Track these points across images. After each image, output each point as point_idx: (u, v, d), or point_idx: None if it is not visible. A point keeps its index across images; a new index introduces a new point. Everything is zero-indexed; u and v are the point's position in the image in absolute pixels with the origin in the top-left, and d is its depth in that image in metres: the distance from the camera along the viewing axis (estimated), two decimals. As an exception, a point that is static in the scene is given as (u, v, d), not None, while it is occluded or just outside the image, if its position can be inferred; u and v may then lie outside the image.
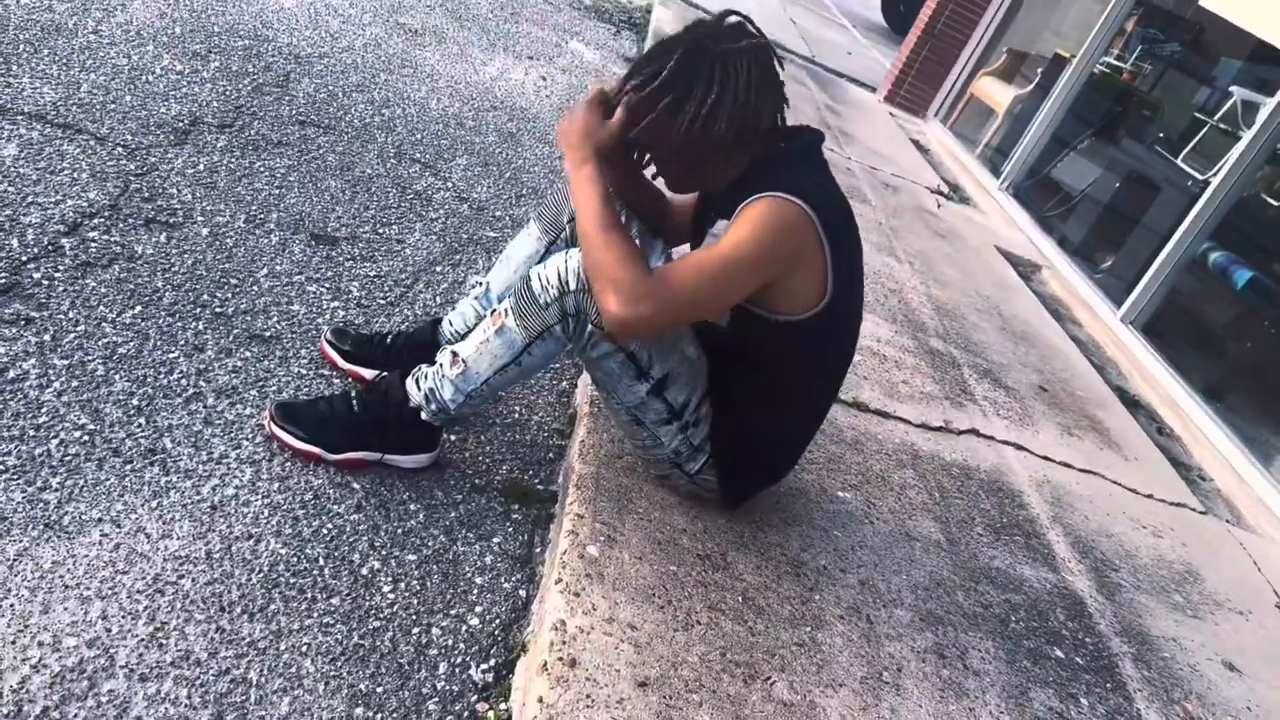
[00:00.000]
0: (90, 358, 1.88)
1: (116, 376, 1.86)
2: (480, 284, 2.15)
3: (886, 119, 7.46)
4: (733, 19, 1.74)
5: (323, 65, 3.64)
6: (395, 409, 1.88)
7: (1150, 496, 3.05)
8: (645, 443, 1.89)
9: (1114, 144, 6.19)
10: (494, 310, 1.79)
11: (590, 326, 1.72)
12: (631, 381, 1.79)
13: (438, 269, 2.71)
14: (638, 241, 1.90)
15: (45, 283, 2.00)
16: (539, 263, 2.06)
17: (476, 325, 2.12)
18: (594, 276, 1.63)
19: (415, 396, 1.87)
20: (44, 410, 1.72)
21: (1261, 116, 4.42)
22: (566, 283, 1.70)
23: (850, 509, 2.24)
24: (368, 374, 2.13)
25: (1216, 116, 5.23)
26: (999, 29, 7.77)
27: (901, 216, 4.85)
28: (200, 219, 2.43)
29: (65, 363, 1.84)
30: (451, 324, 2.15)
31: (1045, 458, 2.95)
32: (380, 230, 2.76)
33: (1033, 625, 2.15)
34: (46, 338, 1.87)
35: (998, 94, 7.60)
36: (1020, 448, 2.94)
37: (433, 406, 1.86)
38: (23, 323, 1.88)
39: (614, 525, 1.84)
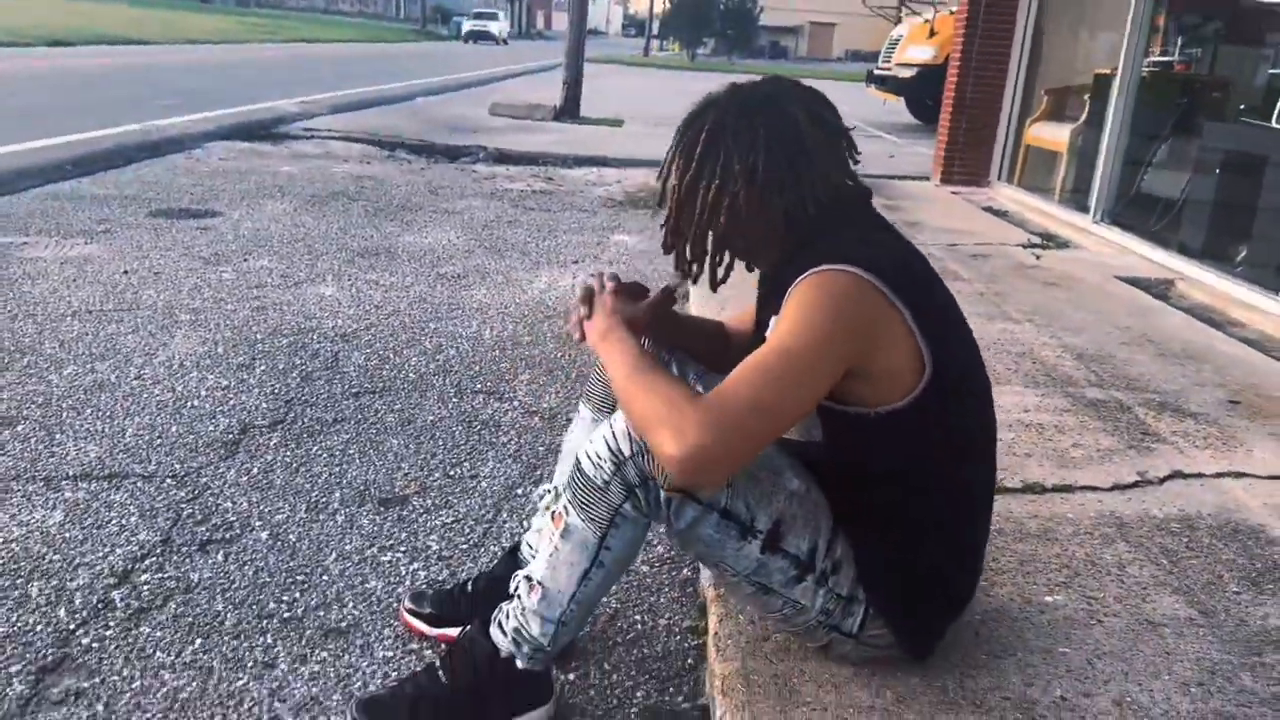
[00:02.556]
0: (149, 715, 1.64)
1: (179, 728, 1.62)
2: (550, 490, 1.87)
3: (948, 197, 7.17)
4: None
5: (370, 335, 3.57)
6: (487, 667, 1.58)
7: None
8: (785, 613, 1.53)
9: (1196, 135, 5.74)
10: (553, 512, 1.50)
11: (664, 493, 1.41)
12: (738, 544, 1.45)
13: (519, 492, 2.46)
14: (695, 383, 1.62)
15: (95, 646, 1.80)
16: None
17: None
18: (642, 428, 1.35)
19: (504, 644, 1.56)
20: (97, 795, 1.47)
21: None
22: (619, 450, 1.41)
23: (1067, 613, 1.80)
24: (456, 633, 1.84)
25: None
26: (1029, 77, 7.53)
27: (1001, 280, 4.46)
28: (258, 523, 2.24)
29: (120, 730, 1.60)
30: (530, 546, 1.86)
31: (1274, 476, 2.44)
32: (451, 472, 2.54)
33: (1358, 688, 1.64)
34: (99, 708, 1.65)
35: (1054, 135, 7.27)
36: (1239, 475, 2.44)
37: (525, 650, 1.55)
38: (73, 698, 1.66)
39: (782, 727, 1.46)
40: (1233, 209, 5.06)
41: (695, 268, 1.64)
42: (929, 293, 1.45)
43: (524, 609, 1.53)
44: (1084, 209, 6.16)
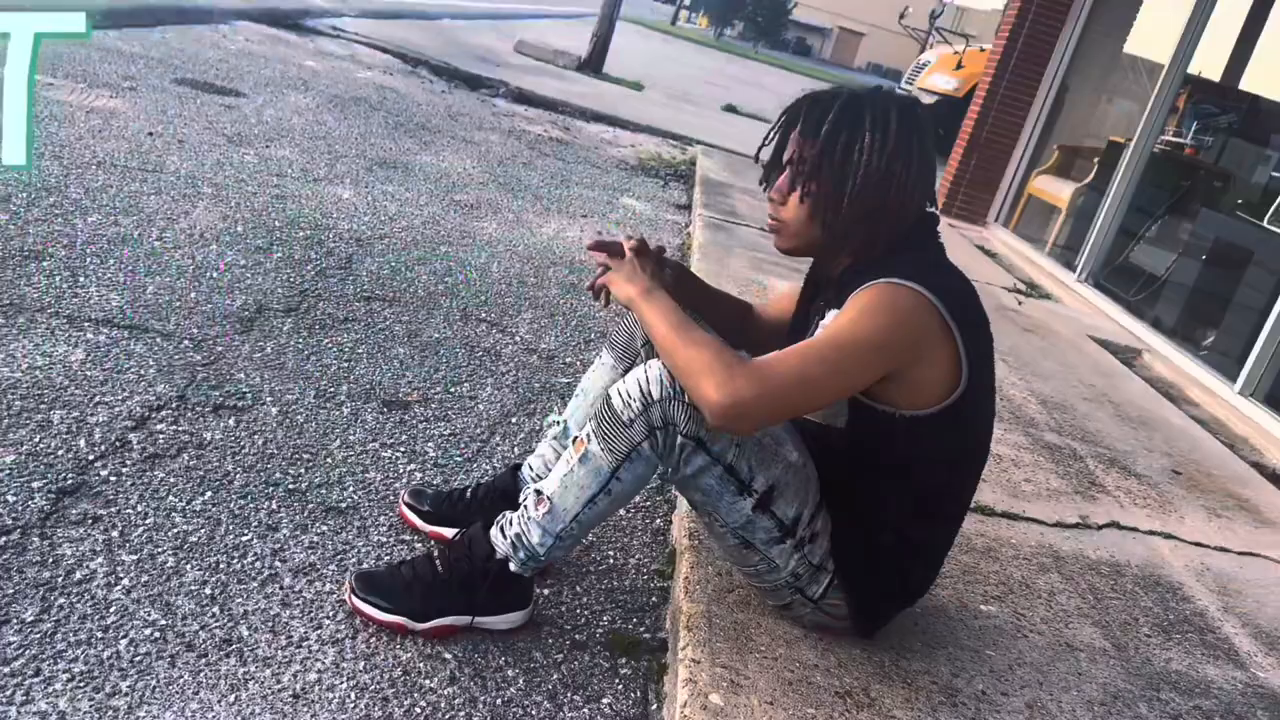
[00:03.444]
0: (160, 550, 1.77)
1: (188, 566, 1.75)
2: (558, 422, 2.02)
3: (946, 229, 7.34)
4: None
5: (384, 245, 3.67)
6: (481, 564, 1.72)
7: (1327, 574, 2.71)
8: (758, 568, 1.69)
9: (1190, 219, 5.98)
10: (574, 438, 1.65)
11: (680, 438, 1.57)
12: (733, 498, 1.61)
13: (513, 420, 2.60)
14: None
15: (113, 479, 1.92)
16: (617, 387, 1.95)
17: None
18: (685, 374, 1.50)
19: (501, 546, 1.71)
20: (112, 609, 1.60)
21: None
22: (649, 393, 1.56)
23: (998, 623, 1.99)
24: (450, 533, 1.99)
25: (1297, 173, 5.02)
26: (1045, 129, 7.72)
27: (983, 318, 4.65)
28: (269, 399, 2.36)
29: (134, 558, 1.73)
30: (532, 467, 2.01)
31: (1198, 544, 2.65)
32: (452, 390, 2.67)
33: (1236, 734, 1.85)
34: (114, 534, 1.77)
35: (1056, 190, 7.48)
36: (1169, 536, 2.64)
37: (521, 555, 1.70)
38: (90, 521, 1.79)
39: (736, 668, 1.63)
40: (1209, 296, 5.31)
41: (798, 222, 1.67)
42: (978, 327, 1.61)
43: (528, 518, 1.68)
44: (1070, 266, 6.38)
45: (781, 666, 1.66)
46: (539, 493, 1.67)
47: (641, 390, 1.56)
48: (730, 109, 12.61)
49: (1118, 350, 4.86)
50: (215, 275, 2.97)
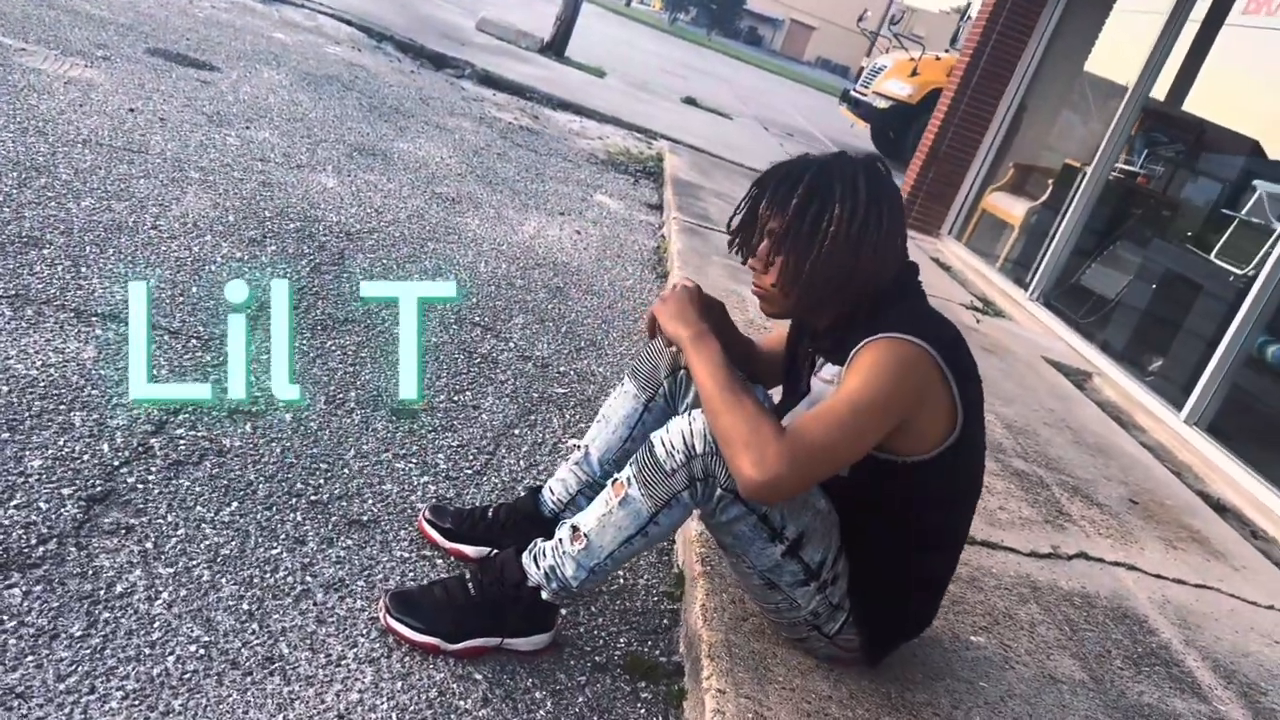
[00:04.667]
0: (195, 563, 1.79)
1: (223, 580, 1.78)
2: (578, 448, 2.08)
3: (905, 241, 7.53)
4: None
5: (374, 240, 3.67)
6: (513, 589, 1.79)
7: (1272, 608, 2.90)
8: (779, 606, 1.78)
9: (1141, 246, 6.23)
10: (615, 480, 1.71)
11: (720, 490, 1.64)
12: (765, 544, 1.70)
13: (515, 432, 2.65)
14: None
15: (140, 486, 1.94)
16: (639, 420, 2.02)
17: (578, 491, 2.04)
18: (725, 441, 1.57)
19: (534, 575, 1.77)
20: (156, 625, 1.63)
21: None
22: (693, 446, 1.63)
23: (988, 654, 2.11)
24: (470, 551, 2.04)
25: (1244, 211, 5.26)
26: (1002, 146, 7.94)
27: (947, 336, 4.80)
28: (281, 405, 2.38)
29: (170, 570, 1.76)
30: (553, 491, 2.07)
31: (1158, 576, 2.82)
32: (455, 398, 2.71)
33: (1202, 766, 2.00)
34: (149, 545, 1.80)
35: (1010, 207, 7.71)
36: (1132, 568, 2.80)
37: (554, 585, 1.76)
38: (124, 532, 1.81)
39: (759, 699, 1.72)
40: (1157, 323, 5.55)
41: (776, 292, 1.75)
42: (970, 371, 1.70)
43: (564, 552, 1.74)
44: (1022, 283, 6.60)
45: (799, 698, 1.76)
46: (575, 528, 1.73)
47: (685, 443, 1.63)
48: (690, 101, 12.67)
49: (1070, 373, 5.06)
50: (213, 269, 2.96)
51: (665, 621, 2.09)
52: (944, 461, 1.68)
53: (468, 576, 1.83)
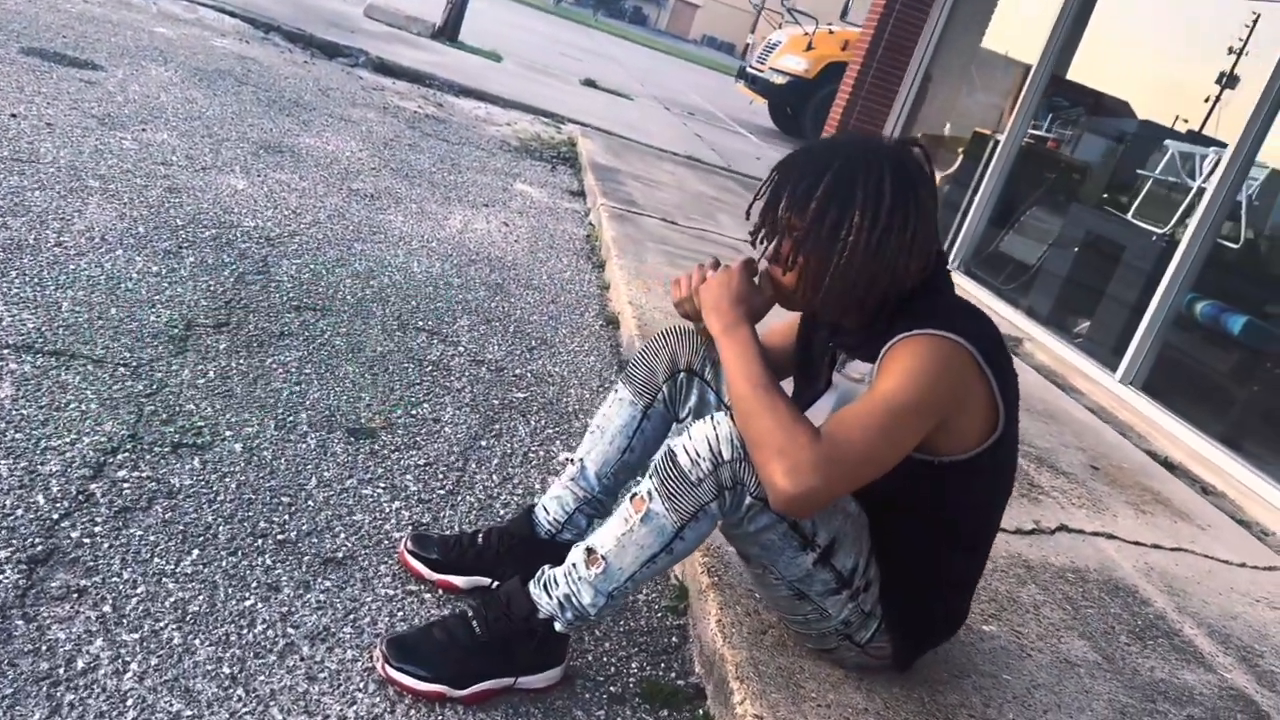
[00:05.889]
0: (162, 624, 1.59)
1: (196, 641, 1.58)
2: (571, 462, 1.94)
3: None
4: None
5: (296, 244, 3.43)
6: (523, 623, 1.64)
7: (1244, 565, 2.93)
8: (808, 617, 1.67)
9: (1057, 210, 6.32)
10: (634, 495, 1.57)
11: (750, 499, 1.52)
12: (795, 553, 1.58)
13: (483, 444, 2.49)
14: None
15: (87, 541, 1.72)
16: (637, 428, 1.90)
17: (576, 509, 1.90)
18: (756, 447, 1.44)
19: (546, 606, 1.63)
20: (130, 702, 1.43)
21: (1207, 166, 4.53)
22: (720, 453, 1.50)
23: (1003, 644, 2.05)
24: (461, 582, 1.88)
25: (1158, 171, 5.37)
26: (909, 117, 7.99)
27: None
28: (229, 434, 2.17)
29: (136, 636, 1.55)
30: (547, 511, 1.92)
31: (1137, 543, 2.82)
32: (413, 411, 2.53)
33: (1224, 740, 1.97)
34: (107, 609, 1.59)
35: (922, 177, 7.76)
36: (1111, 536, 2.80)
37: (568, 615, 1.62)
38: (76, 595, 1.59)
39: None
40: (1081, 287, 5.64)
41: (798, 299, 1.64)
42: (1009, 368, 1.60)
43: (579, 578, 1.59)
44: (942, 253, 6.64)
45: (835, 714, 1.65)
46: (591, 550, 1.59)
47: (712, 449, 1.50)
48: (590, 83, 12.47)
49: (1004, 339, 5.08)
50: (130, 287, 2.71)
51: (674, 639, 1.96)
52: (981, 461, 1.59)
53: (470, 613, 1.67)
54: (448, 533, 2.02)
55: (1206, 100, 5.50)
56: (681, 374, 1.88)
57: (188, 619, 1.62)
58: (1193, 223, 4.42)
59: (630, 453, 1.89)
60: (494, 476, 2.35)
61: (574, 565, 1.61)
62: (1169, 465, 3.81)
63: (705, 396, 1.88)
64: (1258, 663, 2.33)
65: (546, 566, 1.67)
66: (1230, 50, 5.31)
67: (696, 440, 1.52)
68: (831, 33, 13.50)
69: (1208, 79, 5.37)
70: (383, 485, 2.17)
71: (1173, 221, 4.81)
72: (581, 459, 1.91)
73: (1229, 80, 5.24)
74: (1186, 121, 5.63)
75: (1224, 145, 4.40)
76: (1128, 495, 3.20)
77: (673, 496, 1.53)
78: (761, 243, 1.64)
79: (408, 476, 2.24)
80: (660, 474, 1.54)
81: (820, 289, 1.56)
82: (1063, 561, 2.53)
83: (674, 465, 1.53)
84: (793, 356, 1.88)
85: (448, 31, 11.97)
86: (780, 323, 2.01)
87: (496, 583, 1.85)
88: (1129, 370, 4.53)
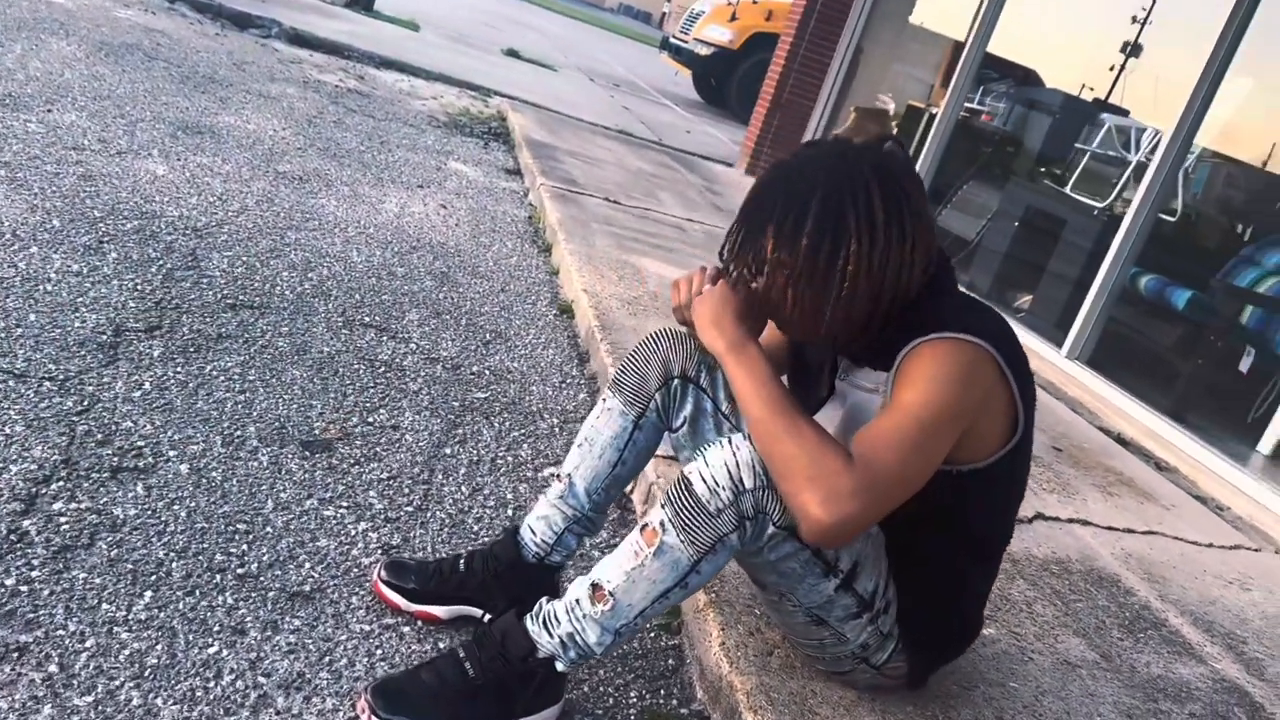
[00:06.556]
0: (117, 682, 1.42)
1: (158, 701, 1.42)
2: (558, 478, 1.80)
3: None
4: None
5: (226, 235, 3.21)
6: (520, 663, 1.51)
7: (1211, 545, 2.94)
8: (824, 642, 1.58)
9: (995, 185, 6.33)
10: (645, 526, 1.45)
11: (773, 528, 1.41)
12: (817, 580, 1.48)
13: (447, 451, 2.33)
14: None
15: (24, 589, 1.53)
16: (629, 439, 1.77)
17: (565, 529, 1.76)
18: (782, 476, 1.33)
19: (546, 644, 1.50)
20: (87, 781, 1.27)
21: (1146, 140, 4.56)
22: (741, 481, 1.38)
23: (1003, 648, 1.99)
24: (441, 612, 1.74)
25: (1094, 144, 5.40)
26: (842, 91, 7.94)
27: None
28: (172, 453, 1.98)
29: (89, 700, 1.38)
30: (534, 532, 1.78)
31: (1110, 528, 2.80)
32: (370, 419, 2.36)
33: (1226, 737, 1.95)
34: (54, 668, 1.41)
35: (856, 150, 7.72)
36: (1086, 523, 2.77)
37: (571, 655, 1.49)
38: (16, 654, 1.41)
39: (816, 750, 1.51)
40: (1021, 261, 5.65)
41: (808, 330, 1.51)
42: (1026, 369, 1.52)
43: (583, 614, 1.47)
44: (879, 227, 6.61)
45: (854, 740, 1.57)
46: (596, 586, 1.46)
47: (732, 477, 1.38)
48: (513, 54, 12.17)
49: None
50: (49, 289, 2.47)
51: (670, 661, 1.85)
52: (1000, 468, 1.51)
53: (461, 653, 1.53)
54: (425, 558, 1.87)
55: (1142, 75, 5.56)
56: (675, 381, 1.75)
57: (146, 674, 1.45)
58: (1135, 197, 4.44)
59: (622, 466, 1.76)
60: (463, 488, 2.21)
61: (577, 601, 1.48)
62: (1123, 442, 3.83)
63: (701, 404, 1.76)
64: (1243, 650, 2.32)
65: (544, 600, 1.54)
66: (1151, 22, 5.36)
67: (714, 467, 1.40)
68: (755, 3, 13.40)
69: (1145, 54, 5.42)
70: (345, 504, 2.01)
71: (1112, 196, 4.83)
72: (569, 474, 1.78)
73: (1159, 54, 5.28)
74: (1123, 96, 5.69)
75: (1158, 127, 4.42)
76: (1093, 477, 3.19)
77: (689, 528, 1.40)
78: (735, 272, 1.51)
79: (371, 493, 2.08)
80: (675, 504, 1.42)
81: (821, 322, 1.45)
82: (1045, 553, 2.49)
83: (690, 495, 1.40)
84: (785, 360, 1.77)
85: (362, 0, 11.55)
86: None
87: (487, 615, 1.71)
88: (1074, 346, 4.54)
